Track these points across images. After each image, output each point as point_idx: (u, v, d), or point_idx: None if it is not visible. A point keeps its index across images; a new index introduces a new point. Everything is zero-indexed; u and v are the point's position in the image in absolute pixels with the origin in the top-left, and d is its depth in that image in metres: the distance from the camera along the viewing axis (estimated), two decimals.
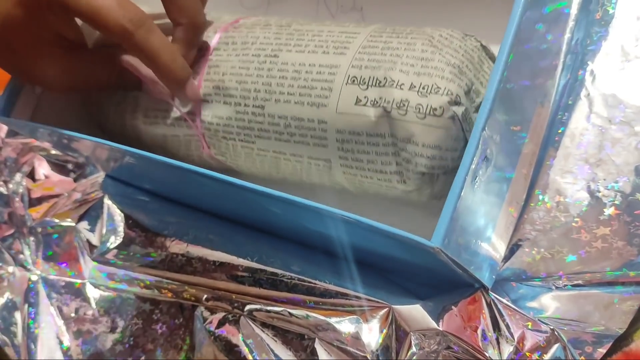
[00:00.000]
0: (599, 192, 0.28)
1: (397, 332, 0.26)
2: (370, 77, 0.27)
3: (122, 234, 0.37)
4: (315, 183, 0.31)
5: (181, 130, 0.33)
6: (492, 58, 0.29)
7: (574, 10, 0.31)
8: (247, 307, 0.32)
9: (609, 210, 0.27)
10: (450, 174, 0.25)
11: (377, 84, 0.26)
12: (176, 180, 0.33)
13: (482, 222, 0.26)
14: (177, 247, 0.36)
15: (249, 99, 0.30)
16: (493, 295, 0.27)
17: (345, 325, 0.28)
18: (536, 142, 0.28)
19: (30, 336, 0.37)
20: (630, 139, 0.28)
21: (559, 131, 0.29)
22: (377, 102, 0.26)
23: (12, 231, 0.40)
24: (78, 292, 0.38)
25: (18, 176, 0.41)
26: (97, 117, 0.37)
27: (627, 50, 0.30)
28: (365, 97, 0.27)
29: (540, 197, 0.28)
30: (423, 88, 0.26)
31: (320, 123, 0.28)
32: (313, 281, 0.30)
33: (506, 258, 0.28)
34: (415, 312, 0.27)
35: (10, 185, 0.41)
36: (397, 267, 0.29)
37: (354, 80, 0.27)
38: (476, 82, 0.27)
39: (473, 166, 0.22)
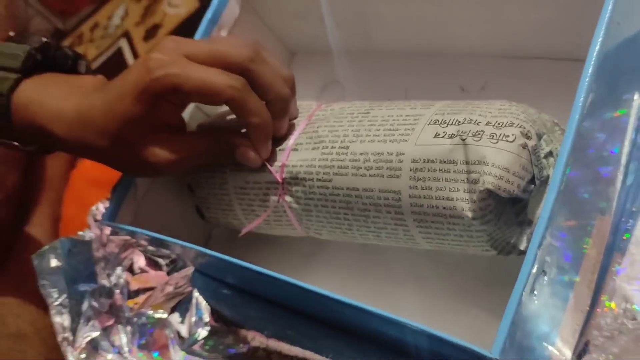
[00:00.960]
0: None
1: None
2: (450, 119, 0.30)
3: (208, 327, 0.40)
4: (380, 227, 0.33)
5: (264, 193, 0.37)
6: (563, 131, 0.31)
7: (633, 117, 0.32)
8: None
9: None
10: (515, 205, 0.27)
11: (456, 123, 0.29)
12: (255, 280, 0.36)
13: (546, 328, 0.27)
14: (258, 340, 0.38)
15: (336, 142, 0.33)
16: None
17: None
18: (599, 248, 0.29)
19: None
20: None
21: (624, 237, 0.30)
22: (454, 135, 0.29)
23: (112, 321, 0.44)
24: None
25: (119, 270, 0.45)
26: (192, 188, 0.42)
27: None
28: (444, 132, 0.29)
29: (607, 303, 0.29)
30: (498, 123, 0.28)
31: (398, 155, 0.30)
32: None
33: None
34: None
35: (112, 278, 0.45)
36: None
37: (435, 122, 0.30)
38: (548, 134, 0.29)
39: (531, 279, 0.24)
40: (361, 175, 0.32)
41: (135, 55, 1.58)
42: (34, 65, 0.39)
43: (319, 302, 0.32)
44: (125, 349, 0.43)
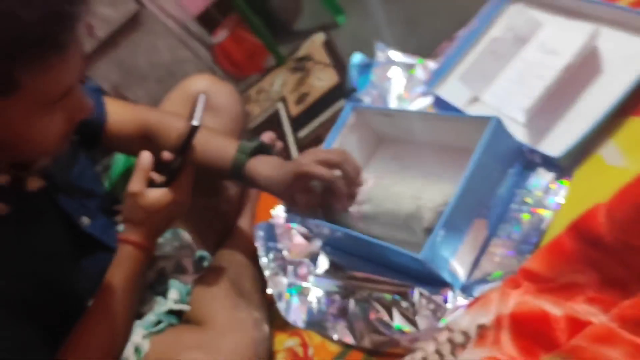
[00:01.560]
0: None
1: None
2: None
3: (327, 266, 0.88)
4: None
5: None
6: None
7: None
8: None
9: None
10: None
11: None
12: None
13: (447, 254, 0.70)
14: (349, 273, 0.85)
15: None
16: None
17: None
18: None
19: None
20: None
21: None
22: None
23: (281, 262, 0.94)
24: None
25: (286, 239, 0.95)
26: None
27: None
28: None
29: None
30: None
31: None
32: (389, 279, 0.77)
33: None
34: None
35: (283, 243, 0.95)
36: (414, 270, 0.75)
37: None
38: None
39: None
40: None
41: (289, 114, 2.11)
42: (255, 152, 0.89)
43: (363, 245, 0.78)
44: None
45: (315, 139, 1.93)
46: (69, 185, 0.86)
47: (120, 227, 0.93)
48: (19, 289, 0.73)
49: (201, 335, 0.83)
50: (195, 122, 0.77)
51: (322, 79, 2.11)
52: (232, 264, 0.97)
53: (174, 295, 0.87)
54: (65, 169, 0.86)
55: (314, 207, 0.88)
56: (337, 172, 0.82)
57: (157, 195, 0.80)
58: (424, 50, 1.71)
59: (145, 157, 0.82)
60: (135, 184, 0.80)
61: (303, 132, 1.97)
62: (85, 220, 0.86)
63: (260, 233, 0.95)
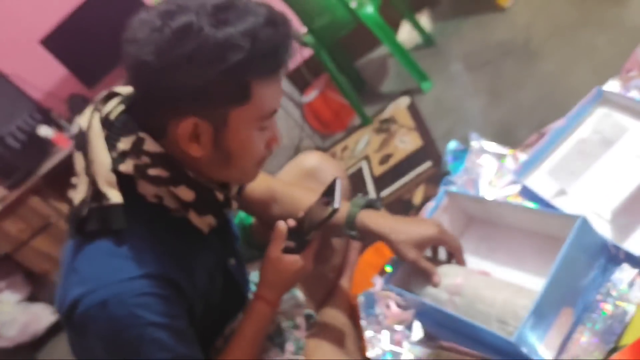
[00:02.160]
0: None
1: None
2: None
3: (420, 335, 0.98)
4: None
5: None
6: None
7: None
8: None
9: None
10: None
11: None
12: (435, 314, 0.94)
13: (536, 338, 0.80)
14: (441, 343, 0.95)
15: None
16: None
17: None
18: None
19: None
20: None
21: None
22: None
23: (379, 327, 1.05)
24: None
25: (383, 306, 1.06)
26: None
27: None
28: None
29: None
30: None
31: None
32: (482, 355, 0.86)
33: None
34: None
35: (380, 309, 1.06)
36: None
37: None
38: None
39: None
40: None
41: (372, 174, 2.23)
42: (366, 206, 1.01)
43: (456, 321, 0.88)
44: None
45: (397, 200, 2.05)
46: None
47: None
48: (199, 305, 0.88)
49: None
50: (336, 205, 0.91)
51: (406, 142, 2.23)
52: (337, 325, 1.10)
53: (290, 348, 1.00)
54: None
55: (421, 268, 0.99)
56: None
57: (291, 261, 0.96)
58: (504, 123, 1.82)
59: (282, 226, 0.97)
60: (274, 250, 0.96)
61: (385, 192, 2.09)
62: (232, 261, 1.01)
63: (361, 299, 1.07)
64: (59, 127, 2.59)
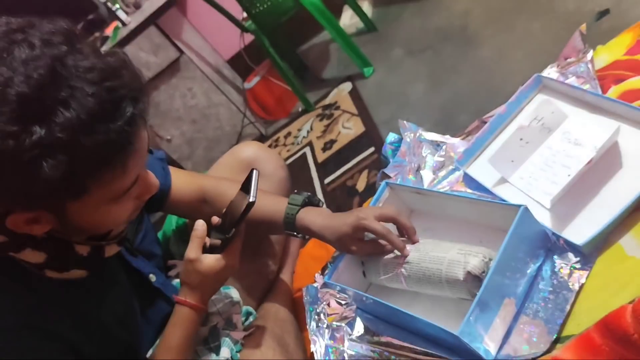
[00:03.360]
0: None
1: None
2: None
3: (361, 331, 0.96)
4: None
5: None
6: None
7: None
8: None
9: None
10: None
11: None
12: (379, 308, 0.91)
13: (481, 330, 0.78)
14: (385, 339, 0.93)
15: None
16: None
17: None
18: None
19: None
20: None
21: None
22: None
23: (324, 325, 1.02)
24: None
25: (324, 304, 1.03)
26: (362, 263, 0.99)
27: None
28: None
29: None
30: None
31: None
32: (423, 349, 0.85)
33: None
34: None
35: (324, 307, 1.03)
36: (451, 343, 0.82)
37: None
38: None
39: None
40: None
41: (316, 160, 2.21)
42: (305, 204, 0.98)
43: (398, 315, 0.86)
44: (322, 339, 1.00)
45: (341, 186, 2.03)
46: (135, 248, 0.96)
47: (175, 281, 1.03)
48: (92, 347, 0.82)
49: None
50: (251, 199, 0.86)
51: (349, 128, 2.21)
52: (277, 321, 1.06)
53: (225, 354, 0.95)
54: (133, 234, 0.96)
55: (364, 254, 0.98)
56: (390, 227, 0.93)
57: (212, 261, 0.90)
58: (445, 108, 1.83)
59: (200, 225, 0.92)
60: (192, 251, 0.90)
61: (329, 179, 2.06)
62: (152, 277, 0.97)
63: (306, 297, 1.04)
64: None
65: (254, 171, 0.90)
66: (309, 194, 1.02)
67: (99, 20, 2.42)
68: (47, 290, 0.79)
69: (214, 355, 0.95)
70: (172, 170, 1.08)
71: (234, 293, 1.03)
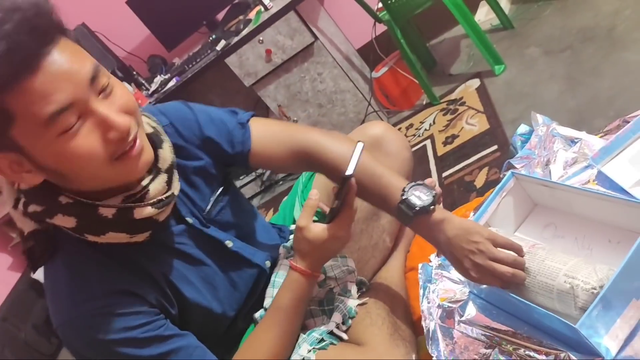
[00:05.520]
0: None
1: None
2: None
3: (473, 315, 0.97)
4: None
5: None
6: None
7: None
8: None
9: None
10: None
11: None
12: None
13: (602, 327, 0.76)
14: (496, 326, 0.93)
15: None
16: None
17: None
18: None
19: None
20: None
21: None
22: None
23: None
24: None
25: (440, 283, 1.05)
26: None
27: None
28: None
29: None
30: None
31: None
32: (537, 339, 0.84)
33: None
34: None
35: (435, 286, 1.05)
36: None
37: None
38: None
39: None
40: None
41: (435, 153, 2.20)
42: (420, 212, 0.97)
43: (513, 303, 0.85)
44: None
45: (459, 181, 2.01)
46: (211, 218, 1.02)
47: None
48: (174, 309, 0.91)
49: (361, 356, 0.95)
50: (348, 172, 0.86)
51: (473, 124, 2.18)
52: (388, 295, 1.09)
53: (337, 319, 1.00)
54: (207, 204, 1.02)
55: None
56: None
57: (319, 230, 0.94)
58: (579, 112, 1.74)
59: (314, 195, 0.96)
60: (302, 219, 0.95)
61: (447, 172, 2.05)
62: (229, 243, 1.03)
63: (421, 275, 1.06)
64: (139, 85, 2.67)
65: (359, 144, 0.88)
66: (431, 199, 0.93)
67: (243, 4, 2.57)
68: (121, 255, 0.87)
69: (326, 318, 1.01)
70: (259, 125, 1.06)
71: (350, 262, 1.07)
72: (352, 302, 1.04)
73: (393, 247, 1.25)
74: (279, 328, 0.95)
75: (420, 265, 1.05)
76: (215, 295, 0.99)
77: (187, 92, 2.51)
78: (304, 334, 1.00)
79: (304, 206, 0.96)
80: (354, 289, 1.06)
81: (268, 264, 1.08)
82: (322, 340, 0.98)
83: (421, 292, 1.03)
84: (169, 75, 2.58)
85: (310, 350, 0.96)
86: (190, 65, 2.48)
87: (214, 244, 1.01)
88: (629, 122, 1.05)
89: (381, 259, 1.22)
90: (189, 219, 0.97)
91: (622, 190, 0.96)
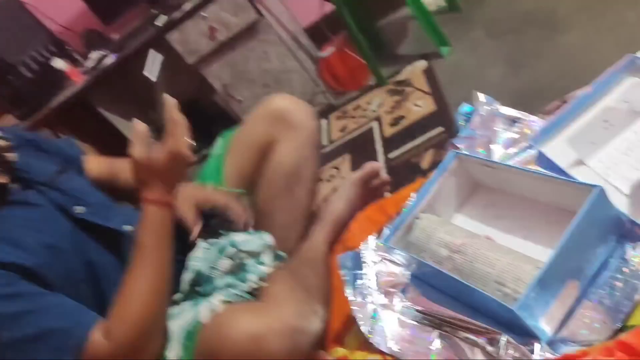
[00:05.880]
0: None
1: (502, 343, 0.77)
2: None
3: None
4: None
5: None
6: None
7: None
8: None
9: None
10: None
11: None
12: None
13: (539, 308, 0.76)
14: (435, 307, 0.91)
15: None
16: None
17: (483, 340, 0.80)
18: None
19: None
20: None
21: None
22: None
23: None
24: None
25: (379, 264, 1.02)
26: None
27: None
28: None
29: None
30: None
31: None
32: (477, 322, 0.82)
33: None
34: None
35: (370, 270, 1.03)
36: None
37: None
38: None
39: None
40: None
41: (382, 134, 2.18)
42: None
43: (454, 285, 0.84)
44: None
45: (405, 163, 2.01)
46: (51, 185, 1.01)
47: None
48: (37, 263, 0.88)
49: (260, 304, 0.97)
50: (152, 78, 0.87)
51: (419, 106, 2.17)
52: (303, 264, 1.09)
53: (252, 278, 0.99)
54: (46, 175, 1.03)
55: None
56: None
57: (155, 154, 0.91)
58: (523, 94, 1.76)
59: (139, 124, 0.92)
60: (133, 150, 0.91)
61: (394, 154, 2.04)
62: (77, 209, 1.01)
63: (346, 262, 1.03)
64: (74, 61, 2.54)
65: (150, 51, 0.91)
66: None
67: None
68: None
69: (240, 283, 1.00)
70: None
71: (267, 237, 1.08)
72: (265, 269, 1.03)
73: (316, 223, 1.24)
74: (150, 270, 0.90)
75: (339, 257, 1.03)
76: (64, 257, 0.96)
77: (127, 71, 2.40)
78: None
79: (134, 137, 0.92)
80: (268, 258, 1.04)
81: (128, 227, 1.04)
82: (236, 295, 0.99)
83: (347, 279, 1.00)
84: (107, 51, 2.46)
85: (222, 302, 0.95)
86: (129, 42, 2.37)
87: (63, 210, 1.00)
88: (567, 102, 1.04)
89: (302, 231, 1.22)
90: (37, 187, 0.99)
91: (561, 171, 0.96)
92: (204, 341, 0.90)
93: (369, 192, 1.29)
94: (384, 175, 1.28)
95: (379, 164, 1.28)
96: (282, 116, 1.21)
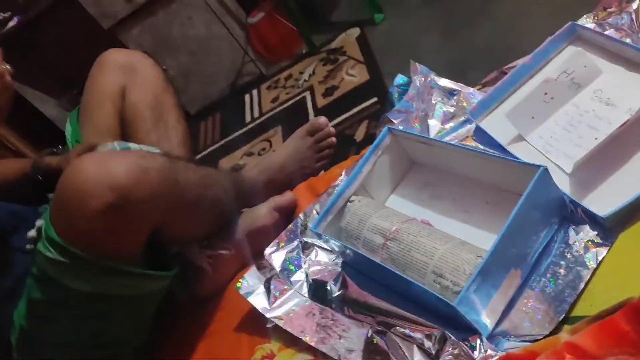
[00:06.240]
0: None
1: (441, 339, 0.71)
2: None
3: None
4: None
5: None
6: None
7: None
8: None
9: None
10: None
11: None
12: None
13: (480, 302, 0.69)
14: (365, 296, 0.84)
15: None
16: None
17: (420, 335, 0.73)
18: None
19: None
20: None
21: None
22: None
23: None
24: None
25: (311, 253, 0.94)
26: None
27: None
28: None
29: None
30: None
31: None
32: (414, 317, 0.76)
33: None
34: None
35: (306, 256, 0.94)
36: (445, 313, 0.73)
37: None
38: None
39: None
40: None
41: (315, 105, 2.09)
42: None
43: (390, 276, 0.77)
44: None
45: (339, 134, 1.93)
46: None
47: None
48: None
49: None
50: None
51: (353, 75, 2.08)
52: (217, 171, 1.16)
53: None
54: None
55: None
56: None
57: None
58: (457, 63, 1.70)
59: None
60: None
61: None
62: None
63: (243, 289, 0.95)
64: None
65: None
66: None
67: None
68: None
69: None
70: None
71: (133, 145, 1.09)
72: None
73: None
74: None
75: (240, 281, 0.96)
76: None
77: (36, 36, 2.18)
78: None
79: None
80: None
81: None
82: None
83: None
84: (8, 13, 2.21)
85: None
86: (34, 3, 2.14)
87: None
88: (506, 73, 0.98)
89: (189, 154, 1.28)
90: None
91: (500, 147, 0.89)
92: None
93: (314, 146, 1.26)
94: (331, 128, 1.26)
95: (324, 118, 1.26)
96: (122, 64, 1.20)
